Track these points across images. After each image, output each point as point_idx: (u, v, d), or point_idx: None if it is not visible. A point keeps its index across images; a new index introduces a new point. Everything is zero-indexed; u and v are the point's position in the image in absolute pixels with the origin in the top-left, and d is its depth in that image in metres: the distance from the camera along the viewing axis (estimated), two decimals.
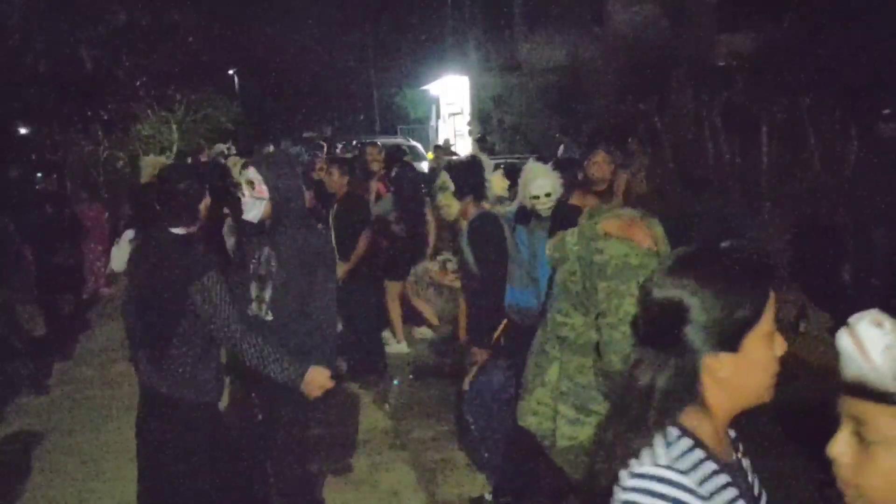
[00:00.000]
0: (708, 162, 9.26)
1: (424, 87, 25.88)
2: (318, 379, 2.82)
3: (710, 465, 1.14)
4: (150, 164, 5.81)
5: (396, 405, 5.21)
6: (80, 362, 6.36)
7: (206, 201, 2.96)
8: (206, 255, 2.95)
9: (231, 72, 29.12)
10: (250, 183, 2.94)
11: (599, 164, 4.61)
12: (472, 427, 3.81)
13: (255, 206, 2.96)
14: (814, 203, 7.63)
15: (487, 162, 4.32)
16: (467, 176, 3.96)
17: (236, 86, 29.32)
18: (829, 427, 0.98)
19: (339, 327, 4.13)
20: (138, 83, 14.68)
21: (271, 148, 12.13)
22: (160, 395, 2.81)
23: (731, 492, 1.15)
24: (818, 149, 8.19)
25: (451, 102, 23.98)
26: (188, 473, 2.79)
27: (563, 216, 4.04)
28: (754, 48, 11.93)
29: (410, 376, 5.74)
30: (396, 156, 7.80)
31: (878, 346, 0.95)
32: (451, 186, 4.04)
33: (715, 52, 13.84)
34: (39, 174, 7.35)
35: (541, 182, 3.75)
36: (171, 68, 16.20)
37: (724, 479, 1.15)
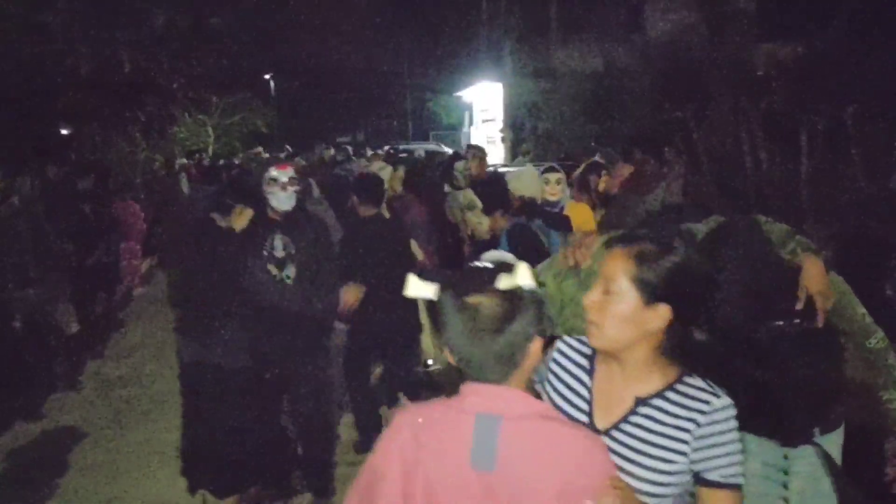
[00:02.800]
0: (746, 172, 9.06)
1: (458, 94, 25.92)
2: (349, 293, 4.04)
3: None
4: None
5: None
6: (113, 360, 6.43)
7: None
8: None
9: (267, 76, 29.52)
10: (294, 179, 3.69)
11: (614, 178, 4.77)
12: None
13: (292, 198, 3.67)
14: (856, 216, 7.41)
15: (531, 171, 4.45)
16: (494, 192, 4.20)
17: (272, 90, 29.72)
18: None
19: None
20: (176, 86, 14.92)
21: (317, 150, 12.36)
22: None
23: None
24: (862, 160, 7.96)
25: (484, 109, 23.95)
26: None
27: (549, 218, 4.28)
28: (795, 56, 11.68)
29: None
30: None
31: None
32: (479, 204, 4.19)
33: (754, 60, 13.58)
34: (79, 174, 7.44)
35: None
36: (208, 72, 16.46)
37: None
